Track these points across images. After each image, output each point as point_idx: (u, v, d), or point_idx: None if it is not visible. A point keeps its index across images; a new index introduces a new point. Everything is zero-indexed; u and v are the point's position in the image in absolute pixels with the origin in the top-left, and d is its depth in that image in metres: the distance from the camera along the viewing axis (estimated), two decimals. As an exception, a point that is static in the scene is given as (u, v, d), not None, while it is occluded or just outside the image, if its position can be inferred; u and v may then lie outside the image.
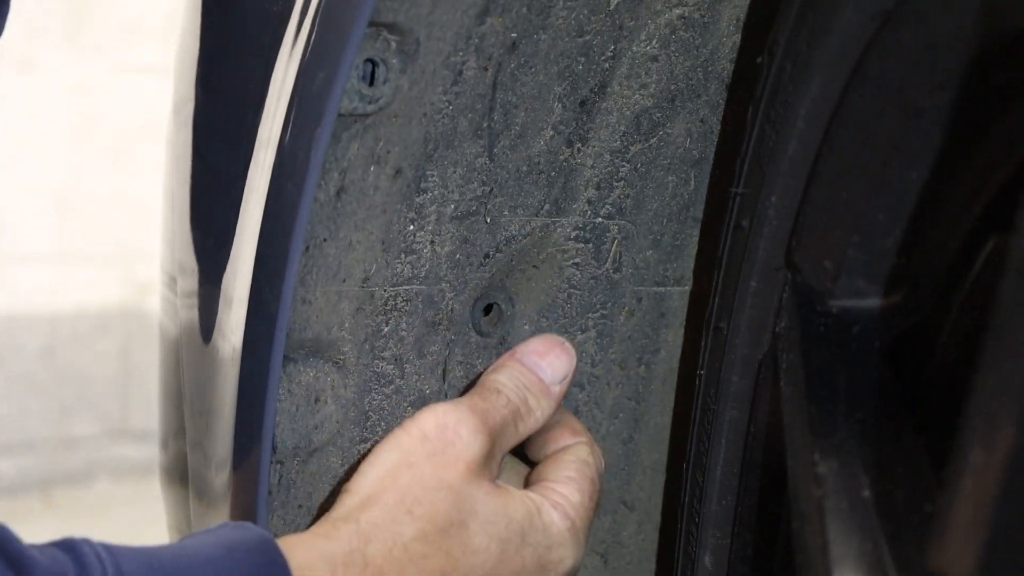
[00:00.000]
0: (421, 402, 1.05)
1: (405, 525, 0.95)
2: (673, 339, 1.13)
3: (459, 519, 0.97)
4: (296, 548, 0.92)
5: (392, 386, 1.04)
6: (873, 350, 0.90)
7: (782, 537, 0.97)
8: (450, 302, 1.04)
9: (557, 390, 1.04)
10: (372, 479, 0.97)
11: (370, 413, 1.03)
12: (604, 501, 1.14)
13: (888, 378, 0.89)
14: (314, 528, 0.95)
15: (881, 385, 0.88)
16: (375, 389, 1.03)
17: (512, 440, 1.03)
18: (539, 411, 1.03)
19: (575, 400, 1.11)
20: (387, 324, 1.02)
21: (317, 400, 1.01)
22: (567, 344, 1.06)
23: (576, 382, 1.11)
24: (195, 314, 1.14)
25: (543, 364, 1.04)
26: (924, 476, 0.81)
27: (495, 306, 1.07)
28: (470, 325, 1.05)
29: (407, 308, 1.02)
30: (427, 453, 0.97)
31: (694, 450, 1.03)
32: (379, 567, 0.94)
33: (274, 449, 1.00)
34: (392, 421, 1.04)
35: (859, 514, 0.80)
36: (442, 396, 1.06)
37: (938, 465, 0.81)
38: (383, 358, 1.03)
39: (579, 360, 1.09)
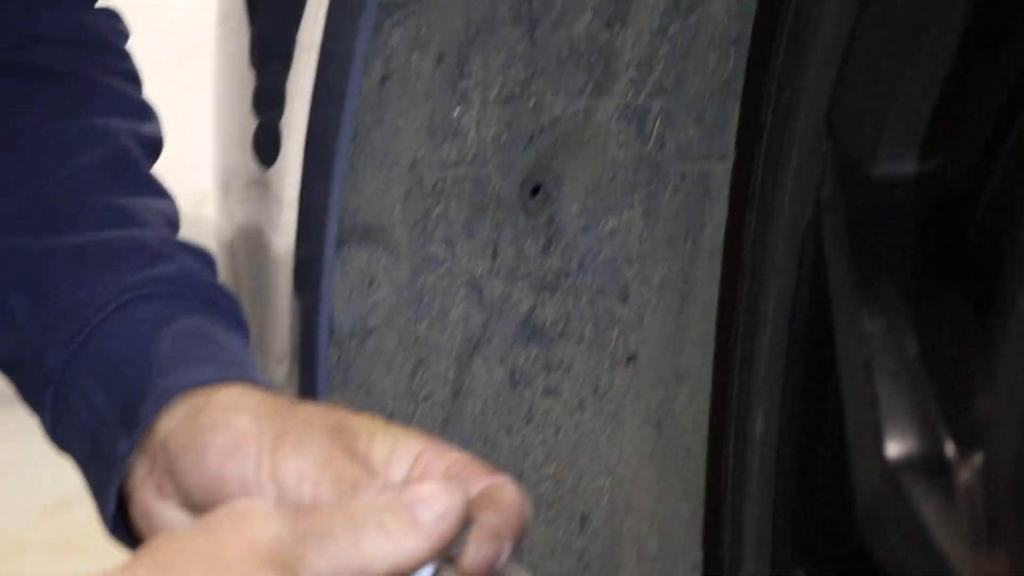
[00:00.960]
0: (472, 283, 1.05)
1: None
2: (718, 214, 1.11)
3: None
4: None
5: (444, 267, 1.04)
6: (915, 213, 0.89)
7: (831, 398, 0.97)
8: (497, 184, 1.03)
9: None
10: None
11: (423, 294, 1.04)
12: (656, 373, 1.14)
13: (931, 240, 0.88)
14: None
15: (924, 246, 0.87)
16: (427, 271, 1.03)
17: None
18: None
19: (623, 278, 1.11)
20: (436, 207, 1.02)
21: (371, 283, 1.01)
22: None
23: (624, 258, 1.10)
24: (249, 215, 1.15)
25: None
26: (969, 331, 0.80)
27: (542, 187, 1.06)
28: (518, 206, 1.05)
29: (455, 191, 1.02)
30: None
31: (743, 320, 1.03)
32: None
33: (331, 332, 1.00)
34: (445, 301, 1.04)
35: (906, 370, 0.79)
36: (493, 276, 1.06)
37: (982, 321, 0.80)
38: (434, 241, 1.03)
39: (628, 236, 1.08)
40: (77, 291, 0.95)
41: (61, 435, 0.95)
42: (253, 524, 0.69)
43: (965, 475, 0.75)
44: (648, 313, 1.12)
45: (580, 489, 1.15)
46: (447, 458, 0.82)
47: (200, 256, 0.97)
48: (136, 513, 0.90)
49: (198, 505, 0.86)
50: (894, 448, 0.78)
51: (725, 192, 1.11)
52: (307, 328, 1.00)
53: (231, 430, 0.84)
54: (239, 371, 0.90)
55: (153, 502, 0.89)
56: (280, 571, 0.69)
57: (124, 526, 0.92)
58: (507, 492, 0.80)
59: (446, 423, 1.09)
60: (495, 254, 1.05)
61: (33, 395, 0.96)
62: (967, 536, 0.74)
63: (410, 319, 1.04)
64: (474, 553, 0.75)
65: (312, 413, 0.85)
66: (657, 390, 1.15)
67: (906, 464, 0.77)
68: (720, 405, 1.14)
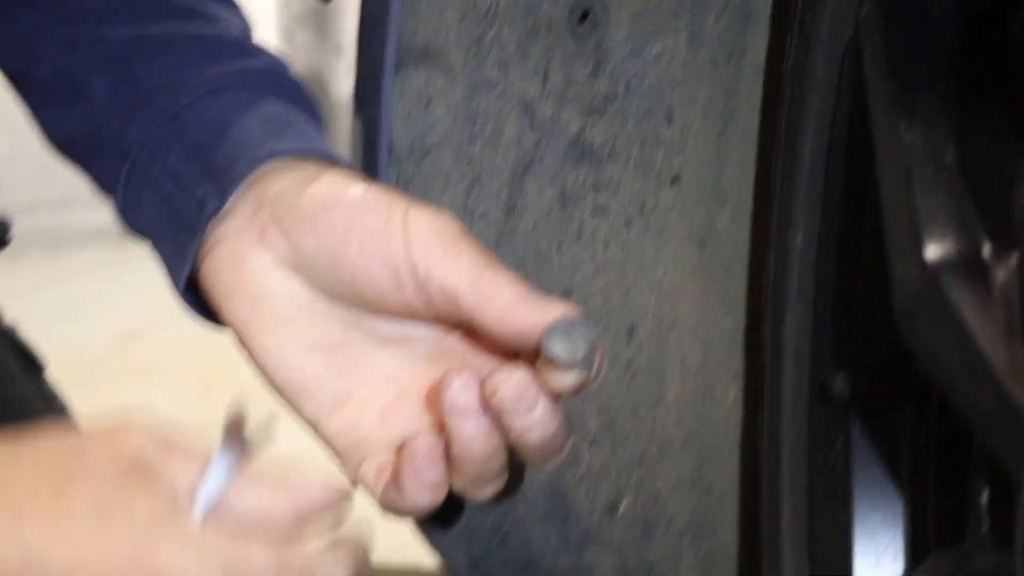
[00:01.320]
0: (524, 105, 1.07)
1: None
2: (760, 39, 1.13)
3: None
4: None
5: (497, 90, 1.05)
6: (954, 29, 0.90)
7: (869, 211, 0.99)
8: (547, 10, 1.04)
9: None
10: None
11: (478, 116, 1.06)
12: (699, 193, 1.16)
13: (969, 55, 0.89)
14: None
15: (963, 62, 0.88)
16: (481, 93, 1.05)
17: None
18: None
19: (668, 101, 1.12)
20: (490, 31, 1.03)
21: (428, 104, 1.03)
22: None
23: (669, 81, 1.11)
24: (311, 63, 1.17)
25: None
26: (1006, 139, 0.82)
27: (590, 13, 1.07)
28: (567, 32, 1.06)
29: (507, 16, 1.03)
30: None
31: (784, 139, 1.04)
32: None
33: (390, 151, 1.02)
34: (498, 122, 1.06)
35: (945, 177, 0.81)
36: (544, 99, 1.07)
37: (1018, 129, 0.82)
38: (488, 64, 1.04)
39: (673, 61, 1.09)
40: (166, 75, 0.97)
41: (133, 210, 0.97)
42: (127, 437, 0.72)
43: (1001, 274, 0.78)
44: (692, 135, 1.14)
45: (627, 303, 1.17)
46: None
47: (280, 57, 0.99)
48: (221, 264, 0.92)
49: (306, 261, 0.88)
50: (933, 250, 0.80)
51: (767, 16, 1.12)
52: (368, 148, 1.02)
53: (359, 191, 0.86)
54: (327, 150, 0.92)
55: (250, 249, 0.90)
56: (142, 477, 0.71)
57: (196, 297, 0.95)
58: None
59: (499, 240, 1.11)
60: (546, 77, 1.07)
61: (107, 173, 0.98)
62: (1001, 331, 0.77)
63: (465, 139, 1.06)
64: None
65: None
66: (700, 209, 1.17)
67: (944, 265, 0.80)
68: (761, 222, 1.16)
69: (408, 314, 0.88)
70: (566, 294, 1.15)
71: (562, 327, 0.78)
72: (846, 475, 1.08)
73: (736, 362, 1.22)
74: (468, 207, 1.09)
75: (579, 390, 0.81)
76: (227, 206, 0.90)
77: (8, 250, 1.17)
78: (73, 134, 1.00)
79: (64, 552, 0.69)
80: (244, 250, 0.90)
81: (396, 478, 0.86)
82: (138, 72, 0.98)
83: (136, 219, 0.97)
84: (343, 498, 0.78)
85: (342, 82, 0.98)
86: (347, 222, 0.86)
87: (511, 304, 0.83)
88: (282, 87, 0.97)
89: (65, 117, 1.01)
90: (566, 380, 0.82)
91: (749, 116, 1.15)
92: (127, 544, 0.69)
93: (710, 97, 1.13)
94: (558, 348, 0.78)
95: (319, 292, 0.89)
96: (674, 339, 1.20)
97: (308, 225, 0.87)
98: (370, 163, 1.03)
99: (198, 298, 0.94)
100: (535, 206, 1.11)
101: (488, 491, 0.88)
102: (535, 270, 1.13)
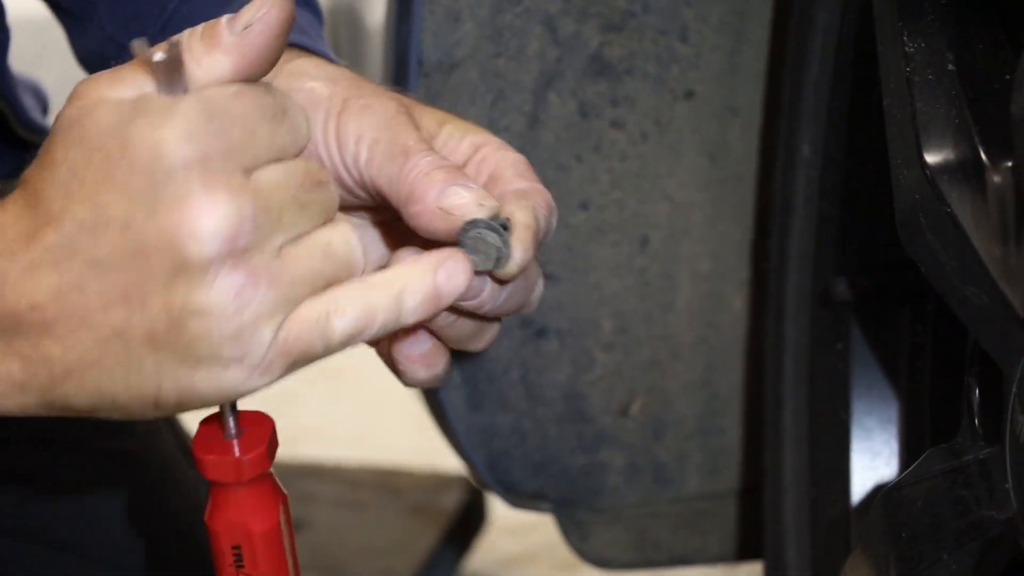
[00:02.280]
0: (547, 21, 1.07)
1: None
2: (770, -41, 1.13)
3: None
4: None
5: (521, 6, 1.05)
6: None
7: (872, 122, 0.99)
8: None
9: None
10: None
11: (503, 31, 1.06)
12: (712, 108, 1.16)
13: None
14: None
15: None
16: (506, 9, 1.05)
17: None
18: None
19: (683, 18, 1.12)
20: None
21: (456, 19, 1.03)
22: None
23: (683, 0, 1.11)
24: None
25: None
26: (1003, 50, 0.82)
27: None
28: None
29: None
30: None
31: (792, 52, 1.04)
32: None
33: (420, 65, 1.03)
34: (522, 38, 1.06)
35: (944, 84, 0.81)
36: (565, 15, 1.07)
37: (1016, 42, 0.82)
38: None
39: None
40: None
41: None
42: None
43: (996, 178, 0.78)
44: (706, 51, 1.14)
45: (641, 214, 1.18)
46: (504, 155, 0.81)
47: None
48: None
49: None
50: (932, 155, 0.80)
51: (777, -64, 1.12)
52: (399, 63, 1.03)
53: (304, 92, 0.81)
54: (309, 41, 0.88)
55: None
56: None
57: None
58: (541, 195, 0.80)
59: (522, 151, 1.11)
60: None
61: None
62: (997, 232, 0.78)
63: (490, 54, 1.06)
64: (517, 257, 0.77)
65: (384, 89, 0.83)
66: (713, 123, 1.17)
67: (943, 169, 0.80)
68: (770, 135, 1.17)
69: (362, 207, 0.85)
70: (584, 206, 1.16)
71: (469, 240, 0.76)
72: (846, 377, 1.09)
73: (744, 270, 1.22)
74: (493, 119, 1.10)
75: (518, 273, 0.77)
76: None
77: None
78: (89, 54, 1.00)
79: (83, 195, 0.67)
80: None
81: (392, 363, 0.85)
82: None
83: None
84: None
85: (376, 10, 0.99)
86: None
87: (424, 212, 0.77)
88: None
89: (81, 40, 1.01)
90: (497, 276, 0.79)
91: (760, 33, 1.15)
92: (119, 139, 0.66)
93: (723, 15, 1.13)
94: (473, 260, 0.76)
95: None
96: (685, 248, 1.20)
97: None
98: (401, 77, 1.04)
99: None
100: (556, 119, 1.11)
101: (482, 343, 0.86)
102: (555, 181, 1.13)
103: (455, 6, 1.03)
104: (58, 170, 0.68)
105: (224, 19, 0.69)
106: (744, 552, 1.34)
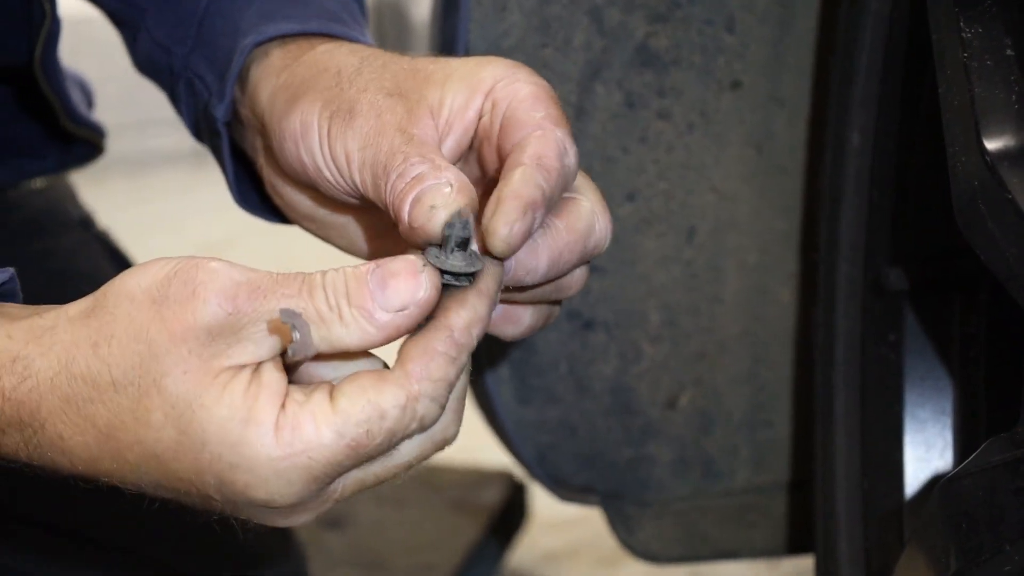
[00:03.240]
0: (593, 11, 1.05)
1: (83, 358, 0.71)
2: (817, -53, 1.11)
3: (141, 383, 0.70)
4: None
5: None
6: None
7: (925, 107, 0.98)
8: None
9: (384, 318, 0.71)
10: (109, 290, 0.72)
11: (550, 21, 1.05)
12: (758, 98, 1.15)
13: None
14: (27, 313, 0.74)
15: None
16: (553, 0, 1.04)
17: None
18: (348, 329, 0.71)
19: (729, 8, 1.11)
20: None
21: (504, 9, 1.03)
22: (422, 274, 0.72)
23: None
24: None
25: (382, 286, 0.71)
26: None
27: None
28: None
29: None
30: (160, 296, 0.70)
31: (842, 41, 1.03)
32: (39, 388, 0.71)
33: (467, 54, 1.02)
34: (569, 29, 1.05)
35: (1003, 70, 0.80)
36: (612, 6, 1.06)
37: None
38: None
39: None
40: None
41: (194, 124, 0.96)
42: (197, 305, 0.69)
43: (1057, 163, 0.77)
44: (752, 41, 1.13)
45: (688, 205, 1.17)
46: (511, 96, 0.79)
47: None
48: (269, 190, 0.90)
49: (303, 185, 0.86)
50: (992, 142, 0.79)
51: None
52: (447, 52, 1.02)
53: (298, 115, 0.81)
54: (323, 24, 0.87)
55: (275, 180, 0.89)
56: (217, 342, 0.69)
57: (260, 199, 0.93)
58: (543, 141, 0.77)
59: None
60: None
61: (172, 94, 0.98)
62: (1058, 217, 0.76)
63: (537, 44, 1.05)
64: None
65: (374, 77, 0.81)
66: (759, 113, 1.16)
67: (1003, 155, 0.78)
68: (817, 125, 1.15)
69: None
70: (630, 197, 1.15)
71: (432, 254, 0.73)
72: (898, 367, 1.07)
73: (791, 262, 1.21)
74: (538, 110, 1.08)
75: (506, 248, 0.74)
76: (233, 120, 0.90)
77: (91, 173, 1.17)
78: (141, 59, 1.01)
79: (167, 477, 0.70)
80: (274, 181, 0.89)
81: None
82: None
83: (198, 135, 0.97)
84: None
85: (421, 4, 0.98)
86: (296, 154, 0.82)
87: (406, 232, 0.76)
88: None
89: (133, 47, 1.02)
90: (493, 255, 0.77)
91: (807, 21, 1.14)
92: (214, 481, 0.70)
93: (769, 5, 1.12)
94: (448, 272, 0.75)
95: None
96: (732, 239, 1.19)
97: (280, 156, 0.84)
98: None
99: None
100: (603, 110, 1.10)
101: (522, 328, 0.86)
102: (602, 172, 1.12)
103: (502, -3, 1.02)
104: (140, 430, 0.70)
105: (373, 285, 0.71)
106: (792, 546, 1.32)
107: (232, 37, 0.90)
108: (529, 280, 0.77)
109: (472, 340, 0.71)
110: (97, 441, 0.70)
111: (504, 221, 0.73)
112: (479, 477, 2.03)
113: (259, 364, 0.69)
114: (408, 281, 0.70)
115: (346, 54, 0.84)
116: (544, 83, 0.80)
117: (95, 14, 1.06)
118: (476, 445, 1.53)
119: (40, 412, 0.70)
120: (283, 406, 0.68)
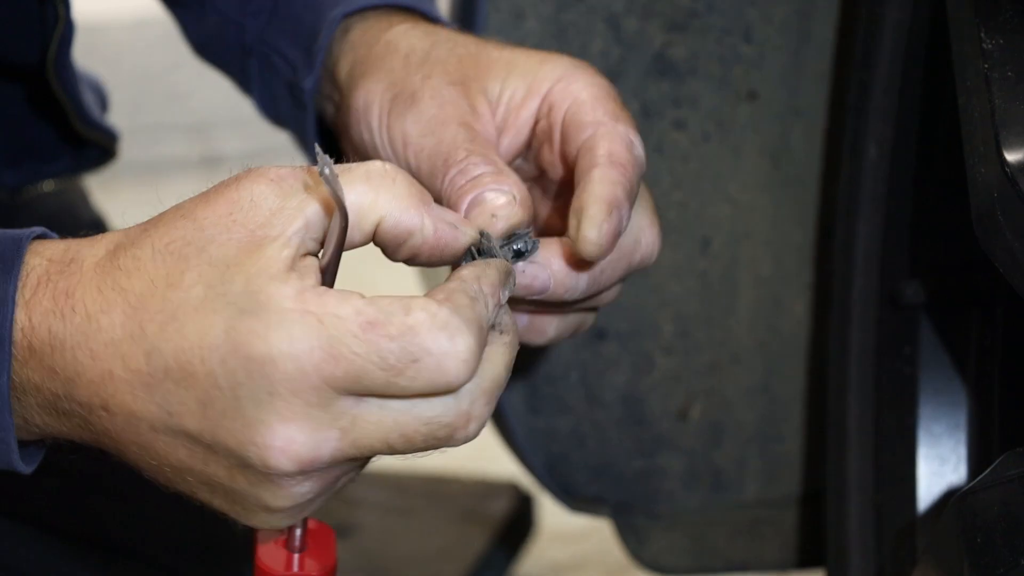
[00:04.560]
0: (610, 20, 1.06)
1: (128, 239, 0.70)
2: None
3: (183, 250, 0.68)
4: (47, 244, 0.72)
5: (585, 3, 1.05)
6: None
7: (944, 120, 0.98)
8: None
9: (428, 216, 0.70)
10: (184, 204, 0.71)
11: (567, 28, 1.05)
12: (775, 109, 1.14)
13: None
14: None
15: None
16: (570, 7, 1.04)
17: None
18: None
19: (747, 18, 1.11)
20: None
21: (520, 16, 1.03)
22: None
23: (748, 0, 1.10)
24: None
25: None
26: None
27: None
28: None
29: None
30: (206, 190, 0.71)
31: (860, 51, 1.03)
32: (82, 270, 0.69)
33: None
34: (586, 36, 1.05)
35: (1023, 81, 0.80)
36: (629, 14, 1.07)
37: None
38: None
39: None
40: None
41: (268, 101, 0.96)
42: (242, 181, 0.68)
43: (1079, 174, 0.77)
44: (769, 52, 1.13)
45: (703, 216, 1.17)
46: (570, 97, 0.79)
47: None
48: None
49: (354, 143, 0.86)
50: (1012, 153, 0.79)
51: (844, -66, 1.11)
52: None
53: (363, 91, 0.82)
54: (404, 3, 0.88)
55: (349, 153, 0.89)
56: (255, 245, 0.66)
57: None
58: (611, 139, 0.77)
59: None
60: None
61: (241, 71, 0.98)
62: (1078, 231, 0.76)
63: (552, 50, 1.05)
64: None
65: (440, 62, 0.81)
66: (775, 124, 1.16)
67: (1023, 166, 0.79)
68: (834, 136, 1.15)
69: None
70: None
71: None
72: (913, 381, 1.07)
73: (805, 274, 1.21)
74: (554, 118, 1.08)
75: (598, 251, 0.75)
76: (320, 92, 0.90)
77: (102, 179, 1.17)
78: (206, 38, 1.01)
79: (174, 344, 0.65)
80: (341, 136, 0.89)
81: None
82: None
83: (273, 110, 0.97)
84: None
85: (439, 5, 0.99)
86: (357, 130, 0.83)
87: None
88: None
89: (197, 24, 1.02)
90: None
91: (824, 32, 1.14)
92: (223, 327, 0.64)
93: (787, 14, 1.12)
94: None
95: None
96: (747, 251, 1.19)
97: (343, 131, 0.85)
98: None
99: None
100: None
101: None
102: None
103: (519, 3, 1.03)
104: (169, 293, 0.66)
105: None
106: (804, 560, 1.32)
107: (315, 10, 0.91)
108: (568, 297, 0.77)
109: (482, 291, 0.68)
110: (123, 318, 0.66)
111: (592, 225, 0.74)
112: (487, 488, 2.03)
113: (305, 255, 0.67)
114: (461, 217, 0.72)
115: (419, 36, 0.84)
116: (603, 82, 0.81)
117: (105, 21, 1.06)
118: (484, 456, 1.53)
119: (75, 293, 0.68)
120: (316, 284, 0.66)
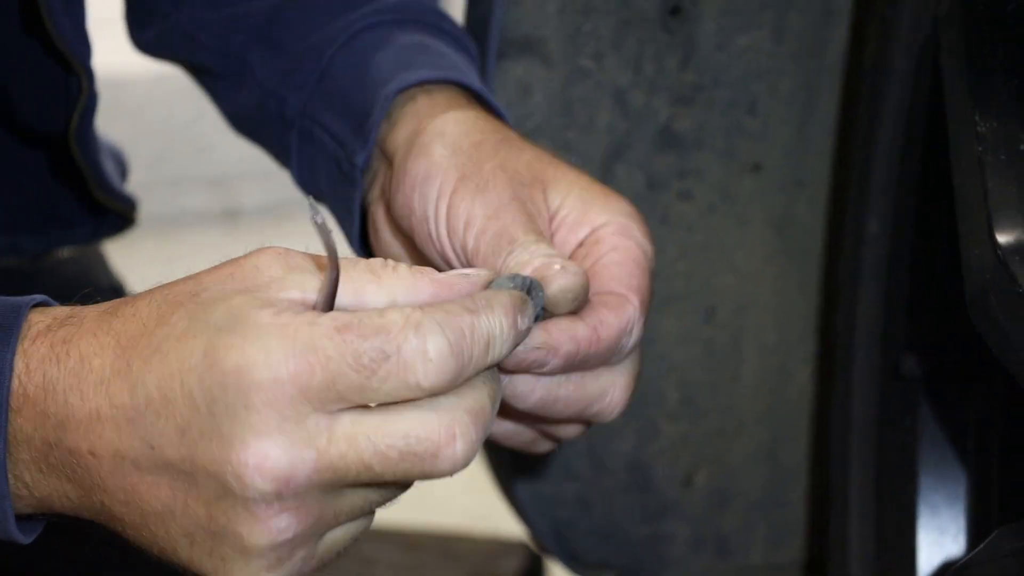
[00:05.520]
0: (617, 94, 1.07)
1: (130, 298, 0.71)
2: (840, 33, 1.13)
3: (177, 297, 0.68)
4: (48, 309, 0.72)
5: (592, 79, 1.06)
6: (1027, 23, 0.90)
7: (942, 198, 0.99)
8: (641, 3, 1.05)
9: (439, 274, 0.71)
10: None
11: (573, 103, 1.07)
12: (779, 181, 1.16)
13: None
14: None
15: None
16: (577, 82, 1.06)
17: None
18: (399, 273, 0.70)
19: (752, 92, 1.13)
20: (586, 23, 1.04)
21: (527, 92, 1.05)
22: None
23: (754, 74, 1.12)
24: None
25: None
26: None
27: (681, 7, 1.08)
28: (659, 25, 1.07)
29: (603, 8, 1.04)
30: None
31: (863, 128, 1.05)
32: (82, 321, 0.69)
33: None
34: (592, 110, 1.07)
35: (1016, 165, 0.81)
36: (636, 88, 1.08)
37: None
38: (583, 54, 1.05)
39: (758, 54, 1.10)
40: (309, 36, 0.96)
41: (308, 173, 0.97)
42: (247, 261, 0.68)
43: (1069, 258, 0.78)
44: (774, 125, 1.14)
45: (708, 285, 1.18)
46: (616, 248, 0.81)
47: None
48: (371, 233, 0.90)
49: (401, 229, 0.86)
50: (1004, 236, 0.80)
51: (847, 12, 1.12)
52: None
53: (426, 160, 0.82)
54: (460, 75, 0.89)
55: (380, 219, 0.89)
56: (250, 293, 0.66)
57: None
58: (619, 315, 0.78)
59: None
60: (638, 68, 1.08)
61: (280, 143, 0.98)
62: (1068, 313, 0.77)
63: (561, 126, 1.07)
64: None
65: (511, 158, 0.83)
66: (780, 196, 1.17)
67: (1015, 249, 0.80)
68: (837, 209, 1.17)
69: None
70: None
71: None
72: (913, 453, 1.08)
73: (809, 343, 1.22)
74: (561, 190, 1.10)
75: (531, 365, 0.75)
76: (371, 167, 0.90)
77: (123, 233, 1.18)
78: (243, 110, 1.02)
79: (157, 374, 0.65)
80: (379, 225, 0.90)
81: None
82: (283, 39, 0.98)
83: (311, 182, 0.97)
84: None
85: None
86: (410, 196, 0.83)
87: None
88: (421, 19, 0.95)
89: (233, 96, 1.03)
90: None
91: (829, 107, 1.15)
92: (202, 348, 0.64)
93: (792, 89, 1.14)
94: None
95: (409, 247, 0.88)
96: (751, 320, 1.20)
97: (394, 193, 0.85)
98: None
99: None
100: (625, 190, 1.10)
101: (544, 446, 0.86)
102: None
103: (527, 78, 1.04)
104: (157, 330, 0.67)
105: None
106: (807, 625, 1.33)
107: (365, 87, 0.91)
108: (514, 403, 0.78)
109: (491, 308, 0.68)
110: (113, 358, 0.67)
111: (566, 278, 0.75)
112: (498, 547, 2.03)
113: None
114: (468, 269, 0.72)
115: (490, 130, 0.85)
116: (649, 247, 0.83)
117: (128, 75, 1.08)
118: (495, 515, 1.54)
119: (72, 339, 0.68)
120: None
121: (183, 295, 0.68)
